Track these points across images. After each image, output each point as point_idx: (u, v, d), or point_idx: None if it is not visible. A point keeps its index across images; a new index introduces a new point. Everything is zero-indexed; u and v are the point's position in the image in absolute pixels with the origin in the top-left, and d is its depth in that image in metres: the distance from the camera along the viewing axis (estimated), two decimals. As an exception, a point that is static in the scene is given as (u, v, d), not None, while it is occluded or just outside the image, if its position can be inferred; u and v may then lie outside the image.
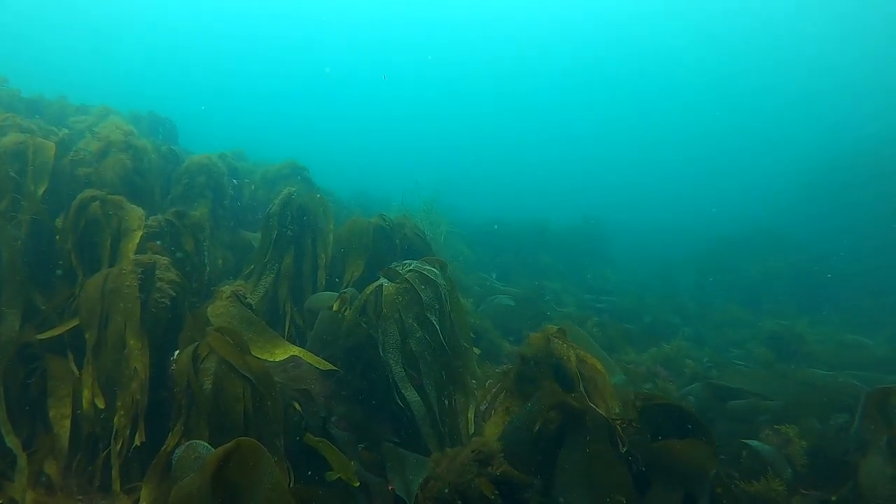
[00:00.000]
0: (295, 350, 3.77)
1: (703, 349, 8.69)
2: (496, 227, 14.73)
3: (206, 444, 2.66)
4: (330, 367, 3.76)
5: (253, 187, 7.80)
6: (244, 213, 7.21)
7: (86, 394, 3.38)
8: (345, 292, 4.66)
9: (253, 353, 3.43)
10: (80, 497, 3.25)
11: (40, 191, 4.39)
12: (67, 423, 3.38)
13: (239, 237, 6.38)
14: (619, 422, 3.38)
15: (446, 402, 3.98)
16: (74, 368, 3.52)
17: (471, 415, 4.00)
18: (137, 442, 3.32)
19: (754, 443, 4.51)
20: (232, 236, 6.36)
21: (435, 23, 57.52)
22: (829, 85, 45.68)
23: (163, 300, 3.60)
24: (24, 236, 3.93)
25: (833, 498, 3.75)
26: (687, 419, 3.54)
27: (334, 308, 4.55)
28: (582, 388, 3.54)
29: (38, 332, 3.60)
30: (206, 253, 4.95)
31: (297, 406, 3.50)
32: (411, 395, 3.77)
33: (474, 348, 4.75)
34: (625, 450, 3.15)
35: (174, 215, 4.71)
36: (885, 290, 13.64)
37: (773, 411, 5.14)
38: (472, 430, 3.92)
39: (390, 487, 3.54)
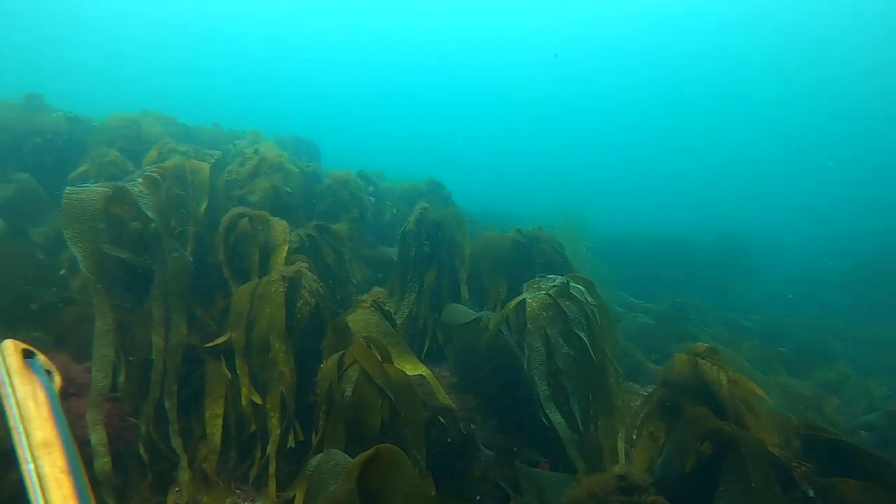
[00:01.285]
0: (423, 370, 3.77)
1: (872, 376, 7.67)
2: (631, 239, 14.11)
3: (342, 452, 2.71)
4: (447, 400, 3.69)
5: (389, 203, 8.07)
6: (383, 229, 7.47)
7: (244, 391, 3.59)
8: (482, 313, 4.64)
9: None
10: (238, 491, 3.45)
11: (201, 208, 4.79)
12: (220, 422, 3.58)
13: (378, 252, 6.59)
14: (782, 455, 3.01)
15: (592, 425, 3.78)
16: (227, 371, 3.76)
17: (620, 439, 3.76)
18: (292, 443, 3.47)
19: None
20: (371, 251, 6.59)
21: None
22: None
23: (305, 308, 3.76)
24: (189, 250, 4.31)
25: None
26: (864, 456, 3.08)
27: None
28: (736, 415, 3.20)
29: (197, 338, 3.89)
30: (346, 266, 5.15)
31: (440, 419, 3.48)
32: (555, 415, 3.60)
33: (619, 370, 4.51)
34: (807, 490, 2.78)
35: (315, 229, 4.94)
36: None
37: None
38: (621, 456, 3.68)
39: None
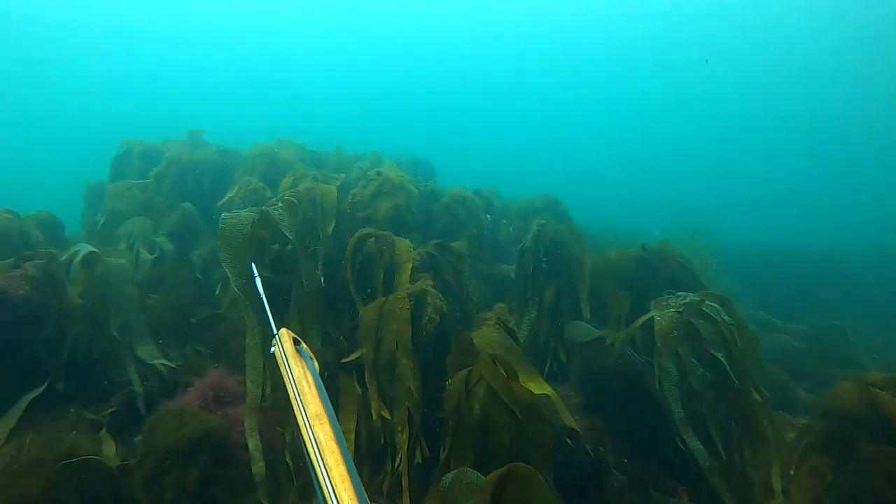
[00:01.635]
0: (547, 389, 3.69)
1: None
2: (766, 253, 12.99)
3: (474, 471, 2.70)
4: (573, 423, 3.56)
5: (505, 221, 8.07)
6: (500, 246, 7.47)
7: (374, 406, 3.70)
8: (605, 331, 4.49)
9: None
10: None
11: (330, 229, 5.04)
12: (352, 437, 3.73)
13: (496, 269, 6.59)
14: None
15: (736, 454, 3.50)
16: (357, 387, 3.90)
17: (775, 473, 3.44)
18: (419, 458, 3.52)
19: None
20: (489, 268, 6.60)
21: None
22: None
23: (430, 325, 3.82)
24: (320, 269, 4.54)
25: None
26: None
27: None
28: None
29: (331, 354, 4.07)
30: (466, 283, 5.19)
31: (567, 441, 3.40)
32: (693, 440, 3.39)
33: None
34: None
35: (435, 248, 5.03)
36: None
37: None
38: (777, 492, 3.36)
39: None
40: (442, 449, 3.37)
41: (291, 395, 1.41)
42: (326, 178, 6.25)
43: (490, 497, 2.27)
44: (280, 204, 4.08)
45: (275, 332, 1.66)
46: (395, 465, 3.50)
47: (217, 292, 5.05)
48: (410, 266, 4.56)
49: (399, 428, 3.58)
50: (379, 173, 6.60)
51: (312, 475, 1.22)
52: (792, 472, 3.20)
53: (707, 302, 3.72)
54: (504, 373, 3.24)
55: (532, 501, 2.33)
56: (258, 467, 3.19)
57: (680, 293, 3.98)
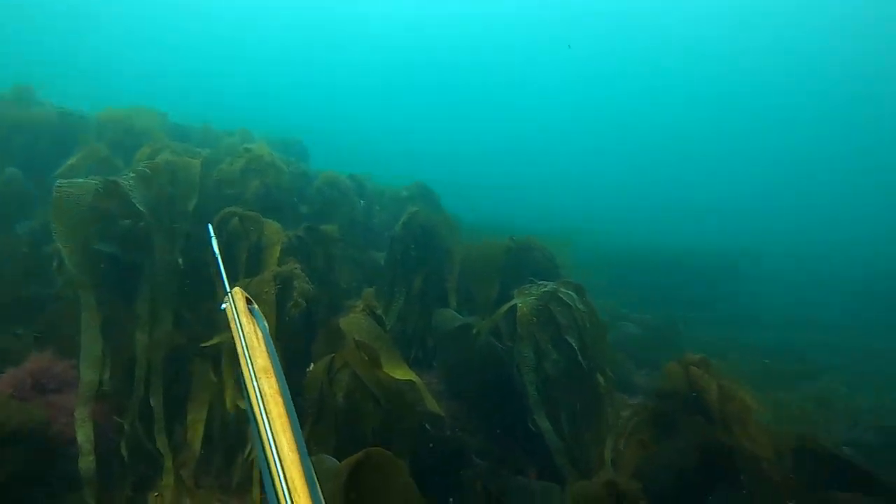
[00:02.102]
0: (412, 376, 3.74)
1: (864, 391, 7.74)
2: (625, 252, 14.14)
3: (332, 457, 2.67)
4: (437, 408, 3.65)
5: (378, 208, 8.02)
6: (372, 232, 7.41)
7: (229, 394, 3.52)
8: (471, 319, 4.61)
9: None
10: (220, 498, 3.38)
11: (191, 205, 4.71)
12: (201, 427, 3.51)
13: (368, 255, 6.53)
14: (771, 467, 3.02)
15: (580, 431, 3.76)
16: (213, 376, 3.69)
17: (608, 447, 3.75)
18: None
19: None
20: (361, 254, 6.53)
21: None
22: None
23: (296, 310, 3.71)
24: (178, 249, 4.23)
25: None
26: (853, 470, 3.10)
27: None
28: (728, 426, 3.21)
29: (185, 339, 3.82)
30: (336, 269, 5.09)
31: (428, 427, 3.45)
32: (544, 422, 3.58)
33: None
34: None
35: (306, 231, 4.89)
36: None
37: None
38: (608, 461, 3.67)
39: None
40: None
41: (239, 349, 1.45)
42: (190, 152, 5.83)
43: (345, 482, 2.25)
44: (132, 175, 3.74)
45: (227, 289, 1.68)
46: (248, 456, 3.36)
47: (54, 268, 4.54)
48: (279, 249, 4.40)
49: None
50: (248, 149, 6.28)
51: (254, 427, 1.25)
52: (622, 446, 3.51)
53: (563, 289, 3.95)
54: (368, 359, 3.22)
55: (388, 487, 2.34)
56: (86, 462, 2.92)
57: (541, 282, 4.18)
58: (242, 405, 3.52)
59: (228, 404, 3.52)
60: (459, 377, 4.37)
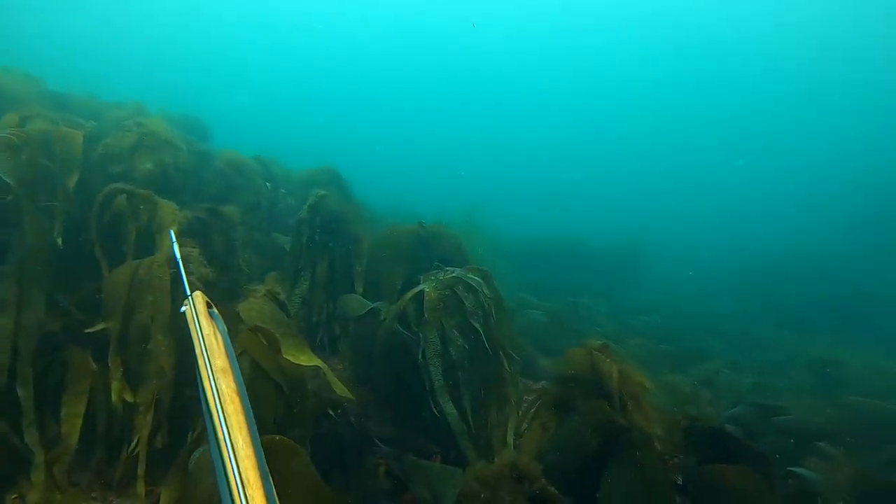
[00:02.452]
0: (318, 362, 3.62)
1: (744, 373, 8.38)
2: (533, 241, 14.51)
3: None
4: (345, 391, 3.56)
5: (283, 191, 7.73)
6: (279, 217, 7.13)
7: (115, 386, 3.25)
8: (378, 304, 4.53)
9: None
10: (94, 495, 3.11)
11: (71, 182, 4.30)
12: (78, 422, 3.21)
13: (273, 241, 6.28)
14: (662, 446, 3.17)
15: (484, 415, 3.79)
16: (93, 363, 3.39)
17: (510, 429, 3.80)
18: (160, 444, 3.18)
19: (803, 470, 4.24)
20: (266, 239, 6.26)
21: (471, 34, 57.41)
22: (877, 114, 44.99)
23: (193, 296, 3.48)
24: (57, 229, 3.85)
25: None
26: (735, 444, 3.33)
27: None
28: (626, 407, 3.34)
29: (59, 325, 3.48)
30: (238, 253, 4.85)
31: (331, 413, 3.35)
32: (448, 406, 3.57)
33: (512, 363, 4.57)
34: (679, 478, 2.94)
35: (206, 212, 4.61)
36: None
37: (819, 433, 4.90)
38: (509, 447, 3.72)
39: (407, 497, 3.38)
40: (192, 431, 3.10)
41: (198, 350, 1.53)
42: (71, 122, 5.31)
43: None
44: (-4, 143, 3.36)
45: (188, 292, 1.82)
46: (133, 451, 3.12)
47: None
48: (174, 229, 4.11)
49: (142, 409, 3.20)
50: (140, 124, 5.83)
51: (209, 424, 1.30)
52: (524, 429, 3.58)
53: (470, 276, 3.95)
54: (269, 346, 3.08)
55: (287, 474, 2.25)
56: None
57: (448, 268, 4.17)
58: (130, 398, 3.27)
59: (115, 397, 3.25)
60: (365, 363, 4.29)
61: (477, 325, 3.70)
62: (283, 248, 5.95)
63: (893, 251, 18.69)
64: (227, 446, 1.22)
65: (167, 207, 4.21)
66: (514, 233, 15.05)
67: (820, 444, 4.89)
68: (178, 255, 2.12)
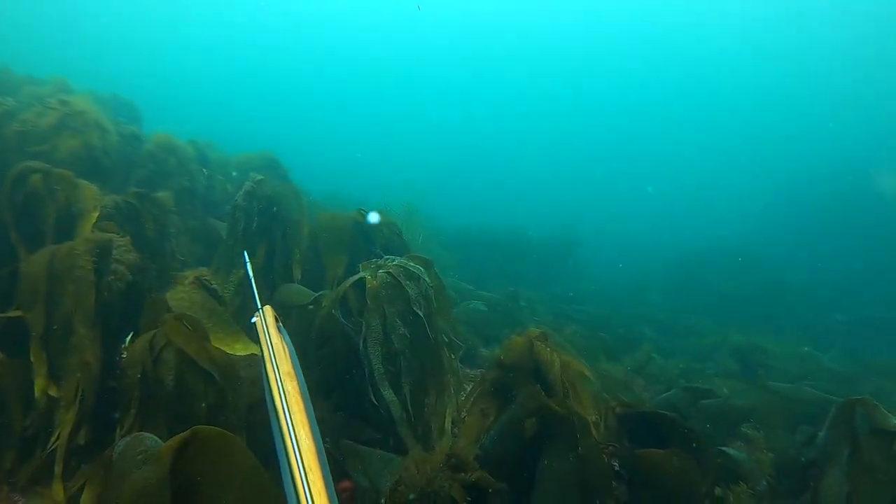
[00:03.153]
0: (254, 349, 3.52)
1: (674, 359, 8.72)
2: (472, 230, 14.60)
3: (153, 436, 2.42)
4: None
5: (221, 178, 7.48)
6: (216, 203, 6.89)
7: (39, 383, 3.06)
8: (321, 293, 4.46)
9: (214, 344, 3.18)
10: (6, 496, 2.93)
11: (-19, 162, 4.04)
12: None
13: (209, 227, 6.05)
14: (601, 429, 3.26)
15: (425, 403, 3.79)
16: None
17: (449, 417, 3.81)
18: (82, 441, 3.02)
19: (731, 450, 4.45)
20: (202, 226, 6.04)
21: (414, 22, 57.15)
22: (800, 108, 47.49)
23: (118, 284, 3.31)
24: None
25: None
26: (668, 427, 3.45)
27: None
28: (562, 394, 3.40)
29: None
30: (171, 239, 4.66)
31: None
32: (388, 393, 3.55)
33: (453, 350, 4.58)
34: (615, 463, 3.03)
35: (134, 196, 4.39)
36: (837, 307, 14.14)
37: (743, 415, 5.16)
38: (447, 434, 3.73)
39: (344, 484, 3.36)
40: (120, 427, 2.95)
41: (266, 356, 1.74)
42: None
43: (171, 464, 2.04)
44: None
45: (259, 306, 2.06)
46: (51, 448, 2.96)
47: None
48: (97, 215, 3.92)
49: (64, 405, 3.03)
50: (65, 102, 5.51)
51: (275, 422, 1.51)
52: (464, 416, 3.60)
53: (412, 264, 3.93)
54: (197, 334, 2.97)
55: (223, 465, 2.16)
56: None
57: (389, 256, 4.14)
58: (55, 392, 3.09)
59: (38, 392, 3.07)
60: (304, 351, 4.21)
61: (420, 313, 3.69)
62: (220, 235, 5.77)
63: (808, 243, 19.87)
64: (291, 439, 1.41)
65: (88, 190, 3.99)
66: (454, 222, 15.15)
67: (745, 426, 5.15)
68: (251, 272, 2.37)
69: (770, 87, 50.52)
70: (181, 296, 3.47)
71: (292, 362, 1.70)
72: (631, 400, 5.43)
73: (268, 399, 1.61)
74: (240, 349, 3.27)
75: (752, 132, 48.92)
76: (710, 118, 53.39)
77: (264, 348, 1.77)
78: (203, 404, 2.83)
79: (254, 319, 1.99)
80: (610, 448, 3.35)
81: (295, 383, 1.59)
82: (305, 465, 1.32)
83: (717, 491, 3.24)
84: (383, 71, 61.54)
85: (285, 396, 1.53)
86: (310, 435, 1.41)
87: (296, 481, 1.30)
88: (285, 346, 1.78)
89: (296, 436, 1.40)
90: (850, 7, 41.04)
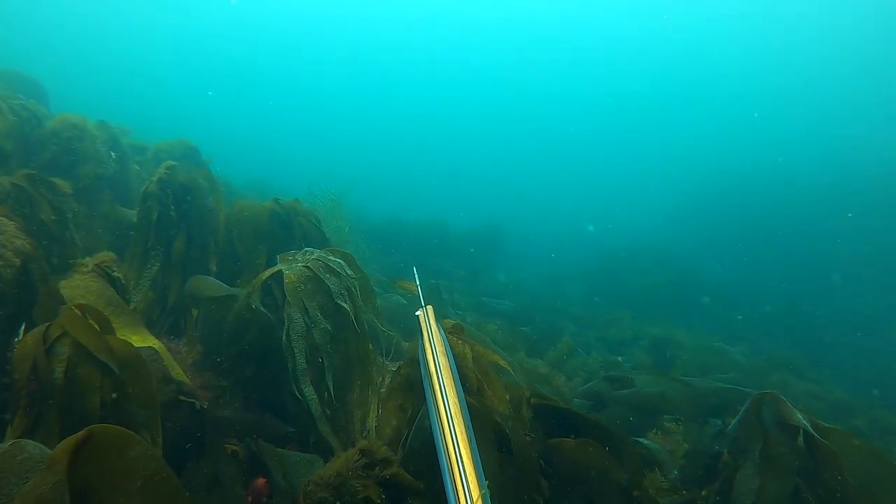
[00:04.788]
0: (153, 342, 3.33)
1: (593, 353, 9.00)
2: (394, 224, 14.57)
3: (35, 443, 2.23)
4: (182, 375, 3.32)
5: (137, 167, 7.10)
6: (130, 190, 6.53)
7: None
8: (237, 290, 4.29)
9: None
10: None
11: None
12: None
13: (120, 214, 5.72)
14: (516, 422, 3.29)
15: (346, 399, 3.71)
16: None
17: (373, 413, 3.76)
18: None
19: (645, 441, 4.63)
20: (112, 212, 5.70)
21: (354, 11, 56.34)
22: (714, 111, 50.15)
23: (6, 270, 3.06)
24: None
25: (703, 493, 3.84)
26: (579, 420, 3.52)
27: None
28: (478, 387, 3.41)
29: None
30: (71, 226, 4.35)
31: (182, 398, 3.10)
32: (309, 390, 3.45)
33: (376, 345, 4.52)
34: (535, 454, 3.05)
35: (26, 179, 4.07)
36: (744, 303, 15.05)
37: (660, 406, 5.37)
38: (371, 431, 3.67)
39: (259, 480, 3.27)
40: (10, 424, 2.73)
41: (428, 349, 2.12)
42: None
43: (67, 469, 1.89)
44: None
45: (423, 304, 2.61)
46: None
47: None
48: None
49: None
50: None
51: (432, 404, 1.91)
52: (380, 411, 3.56)
53: (331, 257, 3.85)
54: (97, 326, 2.78)
55: (125, 465, 2.02)
56: None
57: (308, 249, 4.04)
58: None
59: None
60: (219, 347, 4.05)
61: (345, 306, 3.61)
62: (132, 224, 5.47)
63: (719, 241, 21.05)
64: (446, 413, 1.78)
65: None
66: (381, 215, 15.10)
67: (666, 417, 5.37)
68: (417, 278, 2.94)
69: (684, 91, 53.21)
70: (78, 284, 3.25)
71: (446, 353, 2.11)
72: (550, 392, 5.58)
73: (425, 383, 2.02)
74: (136, 340, 3.08)
75: (668, 133, 51.41)
76: (627, 118, 55.66)
77: (425, 338, 2.21)
78: (99, 400, 2.65)
79: (418, 313, 2.51)
80: (525, 436, 3.39)
81: (448, 363, 2.01)
82: (459, 441, 1.67)
83: (628, 479, 3.33)
84: (324, 62, 60.54)
85: (443, 382, 1.95)
86: (458, 412, 1.79)
87: (444, 432, 1.71)
88: (441, 335, 2.23)
89: (447, 395, 1.84)
90: (756, 9, 43.59)
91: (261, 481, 3.33)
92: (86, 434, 1.98)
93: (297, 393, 3.55)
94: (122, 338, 2.89)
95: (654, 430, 5.17)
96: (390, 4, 54.31)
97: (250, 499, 3.25)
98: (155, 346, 3.17)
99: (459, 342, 3.40)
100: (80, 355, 2.66)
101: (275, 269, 3.76)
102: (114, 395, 2.72)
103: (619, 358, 8.98)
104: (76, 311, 2.77)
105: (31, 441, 2.15)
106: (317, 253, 3.91)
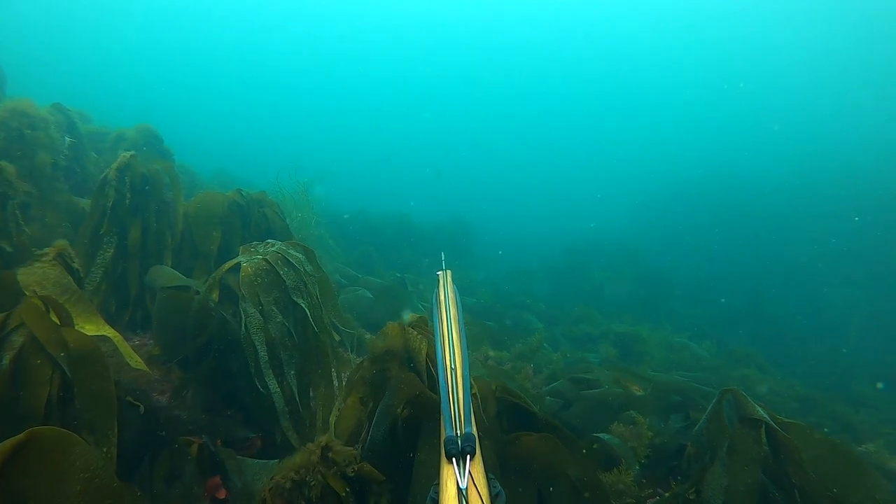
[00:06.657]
0: (108, 331, 3.21)
1: (559, 348, 9.03)
2: (361, 218, 14.45)
3: None
4: (141, 364, 3.22)
5: (96, 155, 6.85)
6: (88, 179, 6.30)
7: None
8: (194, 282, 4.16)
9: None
10: None
11: None
12: None
13: (75, 205, 5.53)
14: (479, 418, 3.26)
15: (310, 393, 3.64)
16: None
17: (336, 407, 3.69)
18: None
19: (605, 436, 4.65)
20: (68, 201, 5.50)
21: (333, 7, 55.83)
22: (679, 110, 50.99)
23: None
24: None
25: (667, 494, 3.87)
26: (537, 418, 3.52)
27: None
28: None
29: None
30: (18, 216, 4.17)
31: (132, 400, 3.00)
32: (272, 384, 3.38)
33: (336, 338, 4.45)
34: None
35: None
36: (709, 300, 15.35)
37: (624, 404, 5.40)
38: (331, 426, 3.61)
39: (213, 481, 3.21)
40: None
41: (442, 305, 2.24)
42: None
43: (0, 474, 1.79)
44: None
45: (444, 267, 2.69)
46: None
47: None
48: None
49: None
50: None
51: (440, 350, 1.97)
52: (342, 404, 3.51)
53: (290, 250, 3.77)
54: (56, 317, 2.67)
55: (65, 470, 1.93)
56: None
57: (269, 241, 3.96)
58: None
59: None
60: (176, 341, 3.94)
61: (301, 302, 3.55)
62: (87, 213, 5.29)
63: (684, 240, 21.43)
64: (449, 349, 1.91)
65: None
66: (349, 208, 14.98)
67: (633, 411, 5.39)
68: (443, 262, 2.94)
69: (653, 91, 54.05)
70: (35, 272, 3.12)
71: (458, 309, 2.21)
72: (516, 388, 5.56)
73: (436, 335, 2.09)
74: (91, 330, 2.96)
75: (636, 133, 52.17)
76: (596, 117, 56.30)
77: (441, 297, 2.30)
78: (44, 393, 2.53)
79: (438, 272, 2.61)
80: (486, 430, 3.37)
81: (457, 325, 2.08)
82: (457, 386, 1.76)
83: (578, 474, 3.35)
84: (299, 57, 59.90)
85: (451, 321, 2.07)
86: (460, 357, 1.85)
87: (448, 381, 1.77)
88: (455, 296, 2.31)
89: (454, 347, 1.89)
90: (720, 10, 44.38)
91: (214, 481, 3.26)
92: (24, 437, 1.88)
93: (259, 387, 3.48)
94: (79, 330, 2.78)
95: (623, 426, 5.19)
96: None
97: (207, 494, 3.18)
98: (110, 336, 3.06)
99: (416, 336, 3.34)
100: (32, 347, 2.55)
101: (234, 261, 3.68)
102: (63, 391, 2.61)
103: (586, 353, 9.03)
104: (38, 302, 2.65)
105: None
106: (277, 245, 3.83)
